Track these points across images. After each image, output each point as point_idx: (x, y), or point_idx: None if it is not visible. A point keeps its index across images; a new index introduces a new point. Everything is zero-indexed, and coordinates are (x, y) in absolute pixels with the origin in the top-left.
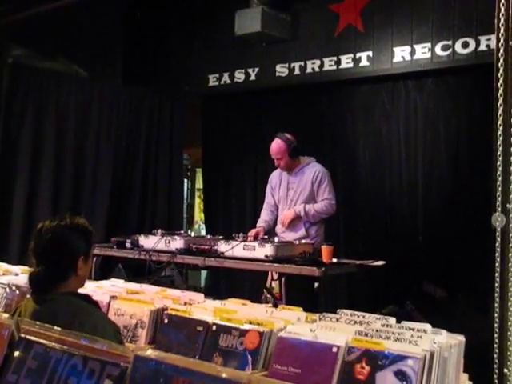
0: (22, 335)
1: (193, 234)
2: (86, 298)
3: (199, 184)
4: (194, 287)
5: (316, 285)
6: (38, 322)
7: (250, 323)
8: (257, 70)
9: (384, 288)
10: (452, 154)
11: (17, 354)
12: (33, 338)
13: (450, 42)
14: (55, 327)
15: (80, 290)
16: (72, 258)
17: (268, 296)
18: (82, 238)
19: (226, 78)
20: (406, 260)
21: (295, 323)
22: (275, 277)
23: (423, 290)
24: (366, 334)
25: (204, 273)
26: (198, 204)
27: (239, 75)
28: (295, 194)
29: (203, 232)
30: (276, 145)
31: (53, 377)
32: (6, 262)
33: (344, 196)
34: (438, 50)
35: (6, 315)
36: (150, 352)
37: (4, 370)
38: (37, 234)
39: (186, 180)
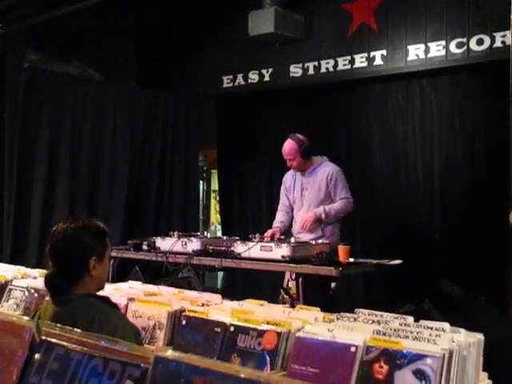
0: (43, 337)
1: (209, 236)
2: (106, 299)
3: (215, 185)
4: (210, 288)
5: (333, 285)
6: (58, 324)
7: (268, 324)
8: (271, 70)
9: (401, 287)
10: (468, 151)
11: (38, 356)
12: (53, 340)
13: (464, 40)
14: (75, 329)
15: (100, 292)
16: (82, 259)
17: (285, 296)
18: (95, 239)
19: (239, 79)
20: (423, 258)
21: (313, 323)
22: (292, 277)
23: (441, 288)
24: (384, 334)
25: (220, 274)
26: (214, 205)
27: (253, 76)
28: (310, 194)
29: (219, 233)
30: (288, 145)
31: (74, 378)
32: (24, 266)
33: (360, 195)
34: (452, 47)
35: (26, 318)
36: (171, 353)
37: (26, 372)
38: (51, 236)
39: (201, 181)
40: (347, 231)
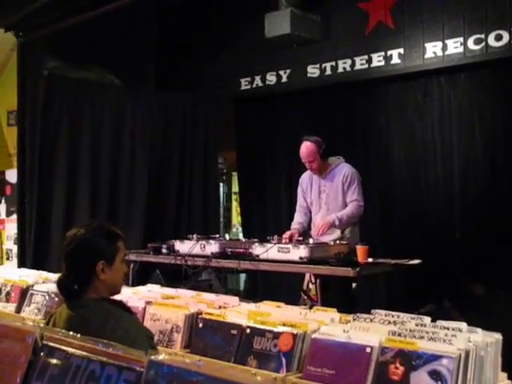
0: (45, 342)
1: (228, 238)
2: (119, 303)
3: (235, 187)
4: (233, 291)
5: (354, 285)
6: (58, 329)
7: (284, 325)
8: (288, 71)
9: (422, 286)
10: (488, 149)
11: (39, 360)
12: (54, 345)
13: (482, 36)
14: (74, 333)
15: (117, 296)
16: (89, 262)
17: (305, 298)
18: (104, 242)
19: (257, 80)
20: (443, 257)
21: (329, 324)
22: (313, 279)
23: (462, 287)
24: (400, 334)
25: (243, 276)
26: (235, 207)
27: (271, 77)
28: (328, 197)
29: (241, 235)
30: (306, 148)
31: (73, 382)
32: (45, 271)
33: (379, 195)
34: (470, 43)
35: (30, 323)
36: (163, 356)
37: (28, 376)
38: (64, 239)
39: (222, 184)
40: (367, 231)
